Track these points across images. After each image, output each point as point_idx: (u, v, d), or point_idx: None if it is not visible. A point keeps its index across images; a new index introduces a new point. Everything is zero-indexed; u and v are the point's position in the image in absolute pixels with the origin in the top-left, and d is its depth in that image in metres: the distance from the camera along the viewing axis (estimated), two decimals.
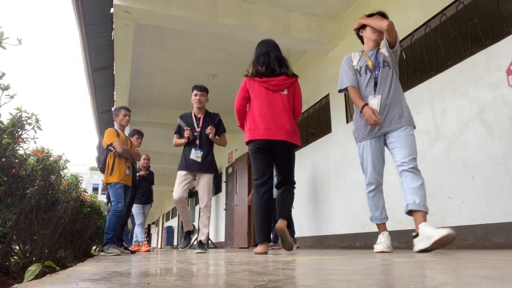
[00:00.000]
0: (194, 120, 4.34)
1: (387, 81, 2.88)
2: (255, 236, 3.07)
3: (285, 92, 3.17)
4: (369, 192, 2.93)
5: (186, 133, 4.20)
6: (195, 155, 4.20)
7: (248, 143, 3.17)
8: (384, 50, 2.95)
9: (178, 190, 4.14)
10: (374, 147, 2.88)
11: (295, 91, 3.23)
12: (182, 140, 4.26)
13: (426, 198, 2.59)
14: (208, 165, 4.23)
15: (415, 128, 2.87)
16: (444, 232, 2.26)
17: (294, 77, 3.24)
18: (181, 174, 4.19)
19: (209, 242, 10.33)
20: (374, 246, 2.86)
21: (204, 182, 4.20)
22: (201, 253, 3.77)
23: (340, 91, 3.03)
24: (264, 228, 3.00)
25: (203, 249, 4.05)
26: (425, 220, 2.50)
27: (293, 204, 5.61)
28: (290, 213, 3.14)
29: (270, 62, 3.19)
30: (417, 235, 2.47)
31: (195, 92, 4.35)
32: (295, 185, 3.21)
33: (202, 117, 4.35)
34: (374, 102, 2.86)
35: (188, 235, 4.32)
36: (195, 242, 4.57)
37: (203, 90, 4.36)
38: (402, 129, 2.78)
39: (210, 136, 4.20)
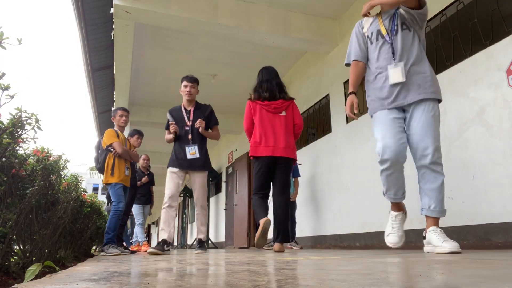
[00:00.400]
0: (184, 114, 4.05)
1: (405, 45, 2.42)
2: (255, 219, 3.54)
3: (284, 113, 3.64)
4: (383, 170, 2.40)
5: (172, 128, 3.93)
6: (189, 152, 3.91)
7: (252, 158, 3.63)
8: (402, 11, 2.48)
9: (172, 187, 3.84)
10: (387, 116, 2.40)
11: (293, 110, 3.70)
12: (172, 136, 4.00)
13: (444, 198, 2.36)
14: (201, 161, 3.95)
15: (440, 101, 2.41)
16: (447, 249, 2.16)
17: (291, 99, 3.72)
18: (172, 171, 3.91)
19: (209, 242, 10.33)
20: (385, 237, 2.50)
21: (199, 182, 3.95)
22: (201, 253, 3.74)
23: (346, 65, 2.75)
24: (262, 210, 3.47)
25: (203, 249, 3.96)
26: (435, 224, 2.33)
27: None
28: (287, 231, 3.50)
29: (272, 88, 3.66)
30: (425, 237, 2.37)
31: (185, 83, 4.06)
32: (289, 198, 3.64)
33: (192, 109, 4.06)
34: (397, 71, 2.38)
35: (163, 243, 3.68)
36: (195, 242, 4.28)
37: (194, 81, 4.07)
38: (421, 107, 2.34)
39: (200, 130, 3.94)
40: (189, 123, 3.99)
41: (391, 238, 2.38)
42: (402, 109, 2.43)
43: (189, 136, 3.95)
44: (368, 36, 2.59)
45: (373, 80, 2.51)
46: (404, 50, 2.41)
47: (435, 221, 2.34)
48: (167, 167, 3.97)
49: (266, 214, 3.46)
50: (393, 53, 2.42)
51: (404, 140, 2.36)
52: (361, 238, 4.53)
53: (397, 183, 2.39)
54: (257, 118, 3.60)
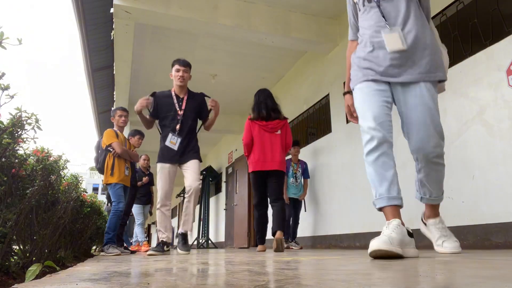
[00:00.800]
0: (176, 101, 3.66)
1: (399, 7, 1.95)
2: (256, 239, 4.21)
3: (279, 132, 4.09)
4: (368, 153, 1.89)
5: (140, 104, 3.48)
6: (170, 140, 3.56)
7: (250, 172, 4.10)
8: None
9: (165, 186, 3.55)
10: (370, 87, 1.97)
11: (286, 130, 4.16)
12: (143, 113, 3.57)
13: (443, 183, 2.11)
14: (192, 152, 3.65)
15: (444, 80, 1.99)
16: (447, 249, 2.13)
17: (285, 119, 4.16)
18: (163, 167, 3.59)
19: (209, 242, 10.33)
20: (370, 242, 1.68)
21: (191, 166, 3.59)
22: (184, 254, 3.38)
23: None
24: (260, 235, 4.08)
25: (186, 248, 3.55)
26: (436, 212, 2.21)
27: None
28: (283, 223, 3.98)
29: (268, 109, 4.11)
30: (425, 224, 2.29)
31: (176, 67, 3.67)
32: (283, 201, 4.11)
33: (185, 97, 3.69)
34: (393, 37, 1.90)
35: (162, 245, 3.55)
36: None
37: (187, 65, 3.72)
38: (417, 89, 1.91)
39: (215, 109, 3.64)
40: (180, 112, 3.64)
41: (372, 242, 1.63)
42: (388, 82, 1.98)
43: (177, 126, 3.61)
44: (356, 3, 2.17)
45: (359, 49, 2.12)
46: (397, 14, 1.95)
47: (435, 209, 2.23)
48: (157, 162, 3.66)
49: (263, 241, 4.04)
50: (383, 17, 1.96)
51: (389, 112, 1.97)
52: (361, 238, 4.53)
53: (385, 171, 1.85)
54: (256, 137, 4.05)
